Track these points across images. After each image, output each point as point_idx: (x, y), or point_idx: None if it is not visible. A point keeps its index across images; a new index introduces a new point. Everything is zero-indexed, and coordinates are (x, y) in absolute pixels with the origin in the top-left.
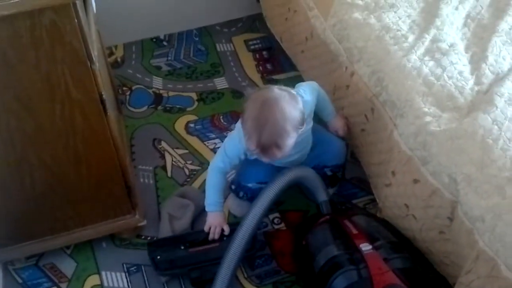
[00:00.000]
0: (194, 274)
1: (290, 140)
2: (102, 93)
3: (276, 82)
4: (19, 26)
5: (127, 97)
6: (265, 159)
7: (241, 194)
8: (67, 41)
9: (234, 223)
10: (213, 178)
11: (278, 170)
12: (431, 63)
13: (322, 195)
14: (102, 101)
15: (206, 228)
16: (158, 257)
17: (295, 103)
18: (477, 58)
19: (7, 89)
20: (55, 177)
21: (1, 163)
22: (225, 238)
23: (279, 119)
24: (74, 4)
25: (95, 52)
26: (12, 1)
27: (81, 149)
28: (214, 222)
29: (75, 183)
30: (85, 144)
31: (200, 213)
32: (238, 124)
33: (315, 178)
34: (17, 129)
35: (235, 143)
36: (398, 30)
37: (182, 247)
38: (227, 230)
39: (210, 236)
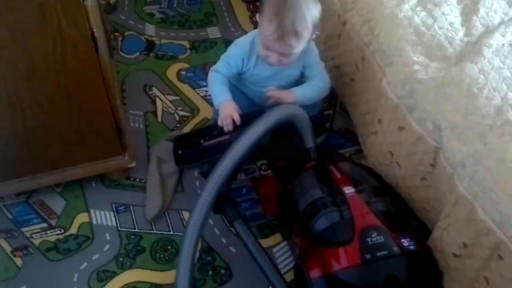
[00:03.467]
0: (204, 168)
1: (306, 34)
2: (94, 30)
3: None
4: None
5: (119, 43)
6: (273, 52)
7: None
8: None
9: (246, 113)
10: (214, 77)
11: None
12: (423, 14)
13: (309, 141)
14: (94, 39)
15: (219, 122)
16: (180, 151)
17: (317, 3)
18: (469, 10)
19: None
20: (46, 115)
21: None
22: (237, 130)
23: (304, 8)
24: None
25: None
26: None
27: (73, 87)
28: (226, 113)
29: (66, 121)
30: (77, 82)
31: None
32: (251, 32)
33: (305, 120)
34: (9, 64)
35: (242, 44)
36: None
37: (202, 141)
38: (237, 119)
39: (225, 129)
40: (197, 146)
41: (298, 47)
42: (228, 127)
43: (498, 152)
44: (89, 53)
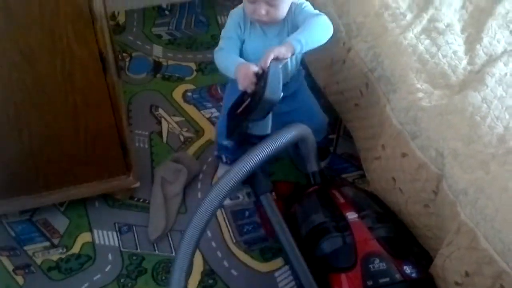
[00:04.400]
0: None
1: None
2: (103, 51)
3: None
4: None
5: (127, 63)
6: (259, 3)
7: (224, 158)
8: None
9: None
10: (219, 56)
11: None
12: (427, 42)
13: (313, 166)
14: (103, 59)
15: (240, 87)
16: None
17: None
18: (472, 39)
19: (10, 41)
20: (52, 133)
21: (0, 116)
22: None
23: None
24: None
25: (98, 10)
26: None
27: (80, 107)
28: (241, 75)
29: (72, 140)
30: (84, 101)
31: (193, 179)
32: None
33: (312, 143)
34: (17, 82)
35: (235, 12)
36: (397, 8)
37: (236, 112)
38: (256, 69)
39: (247, 89)
40: (235, 118)
41: (276, 9)
42: (250, 87)
43: (500, 181)
44: (97, 74)
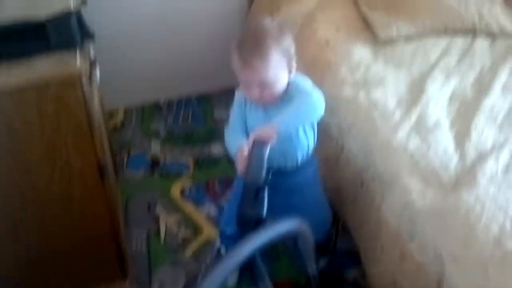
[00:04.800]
0: None
1: (272, 57)
2: (101, 161)
3: None
4: (27, 98)
5: (125, 161)
6: (251, 86)
7: (224, 250)
8: (71, 112)
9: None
10: (226, 136)
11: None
12: (417, 140)
13: (311, 268)
14: (101, 169)
15: (239, 173)
16: None
17: (285, 33)
18: (461, 136)
19: (10, 155)
20: (49, 240)
21: None
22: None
23: (265, 34)
24: (80, 78)
25: (97, 123)
26: (20, 76)
27: (77, 214)
28: (238, 157)
29: (69, 246)
30: (81, 209)
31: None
32: None
33: (309, 241)
34: (16, 194)
35: (238, 90)
36: (385, 107)
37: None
38: (246, 148)
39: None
40: None
41: (267, 70)
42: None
43: (500, 287)
44: (95, 183)
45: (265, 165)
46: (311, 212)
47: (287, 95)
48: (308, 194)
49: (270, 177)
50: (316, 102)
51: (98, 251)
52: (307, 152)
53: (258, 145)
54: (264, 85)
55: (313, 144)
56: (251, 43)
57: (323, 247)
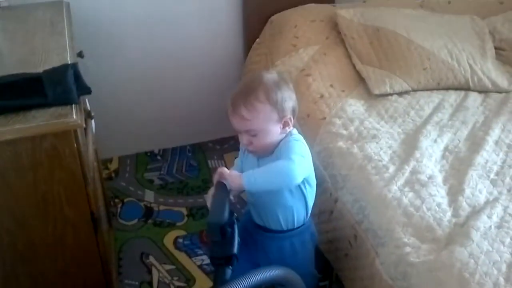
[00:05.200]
0: None
1: (258, 106)
2: (95, 212)
3: None
4: (21, 149)
5: (119, 209)
6: (242, 133)
7: None
8: (65, 164)
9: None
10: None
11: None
12: (411, 194)
13: None
14: (94, 220)
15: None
16: None
17: (281, 85)
18: (455, 191)
19: (2, 206)
20: None
21: None
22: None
23: (254, 85)
24: (75, 131)
25: (91, 173)
26: (16, 127)
27: (70, 265)
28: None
29: None
30: (74, 260)
31: None
32: None
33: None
34: (8, 246)
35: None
36: (379, 161)
37: None
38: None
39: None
40: None
41: (254, 119)
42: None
43: None
44: (88, 232)
45: (227, 206)
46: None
47: (279, 151)
48: (291, 262)
49: (234, 219)
50: (291, 171)
51: None
52: (293, 218)
53: (220, 186)
54: (251, 134)
55: (302, 211)
56: (242, 92)
57: None
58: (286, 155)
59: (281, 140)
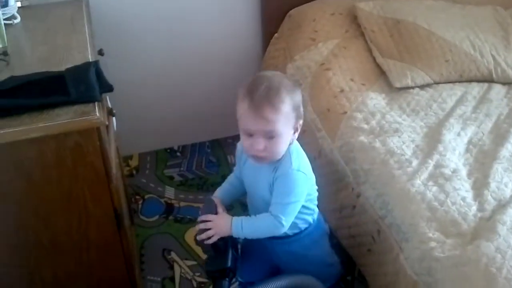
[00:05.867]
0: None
1: (284, 109)
2: (118, 208)
3: None
4: (45, 147)
5: (140, 206)
6: (257, 136)
7: None
8: (89, 161)
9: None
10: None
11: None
12: (435, 188)
13: None
14: (117, 217)
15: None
16: None
17: (296, 88)
18: (480, 184)
19: (28, 205)
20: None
21: (14, 278)
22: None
23: (277, 81)
24: (99, 128)
25: (113, 170)
26: (40, 125)
27: (94, 261)
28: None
29: None
30: (98, 257)
31: None
32: None
33: None
34: (34, 242)
35: (239, 143)
36: (402, 155)
37: None
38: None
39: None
40: None
41: (277, 121)
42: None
43: None
44: (112, 230)
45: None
46: (311, 272)
47: (280, 166)
48: (305, 261)
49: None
50: (278, 229)
51: None
52: (296, 224)
53: (209, 202)
54: (269, 137)
55: (306, 215)
56: (265, 92)
57: None
58: (281, 199)
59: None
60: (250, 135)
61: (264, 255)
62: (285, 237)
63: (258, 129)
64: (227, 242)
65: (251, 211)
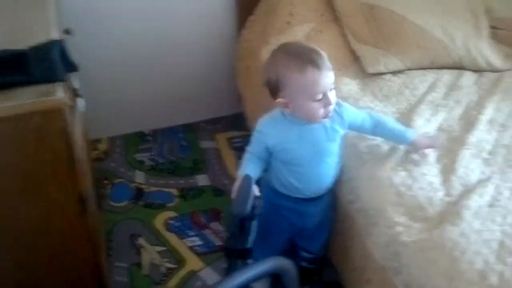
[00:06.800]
0: None
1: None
2: (83, 193)
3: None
4: (5, 128)
5: (108, 191)
6: (326, 94)
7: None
8: (52, 144)
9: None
10: (245, 156)
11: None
12: (403, 174)
13: None
14: (82, 201)
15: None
16: None
17: None
18: (447, 170)
19: None
20: (28, 273)
21: None
22: None
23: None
24: (62, 110)
25: (78, 154)
26: (1, 105)
27: (57, 247)
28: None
29: (49, 280)
30: (62, 242)
31: None
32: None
33: (294, 276)
34: None
35: (268, 123)
36: (372, 140)
37: None
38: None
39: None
40: None
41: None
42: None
43: None
44: (76, 214)
45: (251, 199)
46: (324, 232)
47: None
48: (326, 222)
49: (254, 214)
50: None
51: (78, 282)
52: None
53: (246, 179)
54: (331, 89)
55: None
56: (315, 53)
57: (306, 275)
58: (361, 110)
59: None
60: (319, 98)
61: (282, 230)
62: (323, 195)
63: (328, 85)
64: (252, 223)
65: (305, 179)
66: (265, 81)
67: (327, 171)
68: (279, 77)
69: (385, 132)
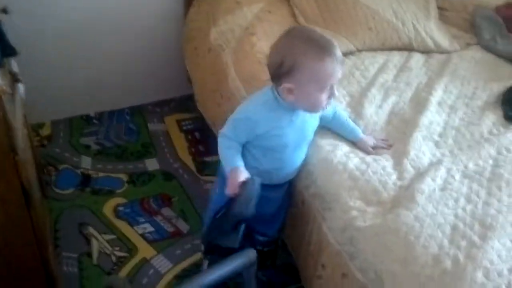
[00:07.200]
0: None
1: None
2: (26, 184)
3: (208, 164)
4: None
5: (53, 177)
6: (339, 75)
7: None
8: None
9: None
10: (224, 143)
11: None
12: (356, 159)
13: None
14: (25, 192)
15: (226, 190)
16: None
17: None
18: (399, 153)
19: None
20: None
21: None
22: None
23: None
24: (0, 97)
25: (19, 142)
26: None
27: (0, 243)
28: (231, 178)
29: None
30: (5, 236)
31: None
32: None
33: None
34: None
35: (257, 110)
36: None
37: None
38: (243, 178)
39: (231, 193)
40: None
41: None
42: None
43: None
44: (19, 207)
45: (254, 202)
46: (282, 217)
47: None
48: (285, 200)
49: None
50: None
51: (25, 276)
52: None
53: (251, 182)
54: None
55: None
56: (332, 43)
57: (263, 258)
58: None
59: None
60: (327, 89)
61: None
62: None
63: (338, 78)
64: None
65: (280, 166)
66: (275, 63)
67: (301, 157)
68: (295, 62)
69: (339, 124)
